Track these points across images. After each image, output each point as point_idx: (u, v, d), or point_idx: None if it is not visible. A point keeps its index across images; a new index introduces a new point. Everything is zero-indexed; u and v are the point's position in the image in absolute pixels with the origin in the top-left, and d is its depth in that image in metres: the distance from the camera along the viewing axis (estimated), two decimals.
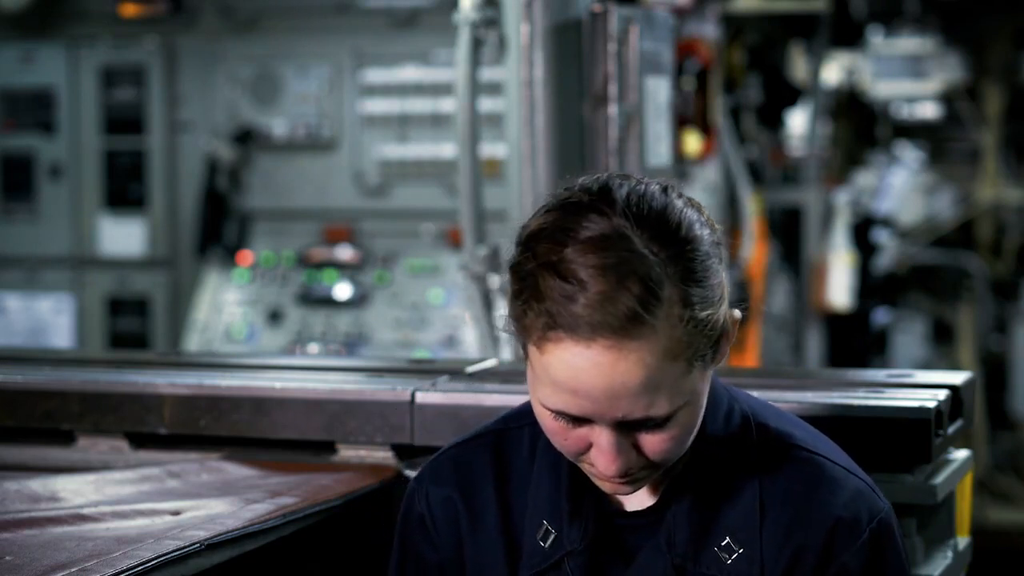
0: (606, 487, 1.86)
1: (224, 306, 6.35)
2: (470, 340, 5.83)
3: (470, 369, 2.83)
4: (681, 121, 4.55)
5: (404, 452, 2.63)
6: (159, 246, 6.54)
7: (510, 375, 2.86)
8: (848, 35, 8.46)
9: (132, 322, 6.59)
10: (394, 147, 6.26)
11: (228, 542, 2.12)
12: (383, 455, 2.62)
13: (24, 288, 6.68)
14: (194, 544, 2.04)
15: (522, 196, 3.57)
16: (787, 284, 7.45)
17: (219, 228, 6.37)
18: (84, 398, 2.76)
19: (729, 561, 1.86)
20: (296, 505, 2.31)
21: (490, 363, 2.96)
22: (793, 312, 7.54)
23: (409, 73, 6.22)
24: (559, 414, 1.80)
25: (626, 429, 1.79)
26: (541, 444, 1.98)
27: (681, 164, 5.09)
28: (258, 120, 6.37)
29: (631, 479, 1.84)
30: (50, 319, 6.67)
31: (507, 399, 2.61)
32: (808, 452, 1.92)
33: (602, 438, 1.79)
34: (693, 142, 5.61)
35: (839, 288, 7.83)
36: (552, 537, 1.93)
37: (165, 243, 6.54)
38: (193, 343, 6.24)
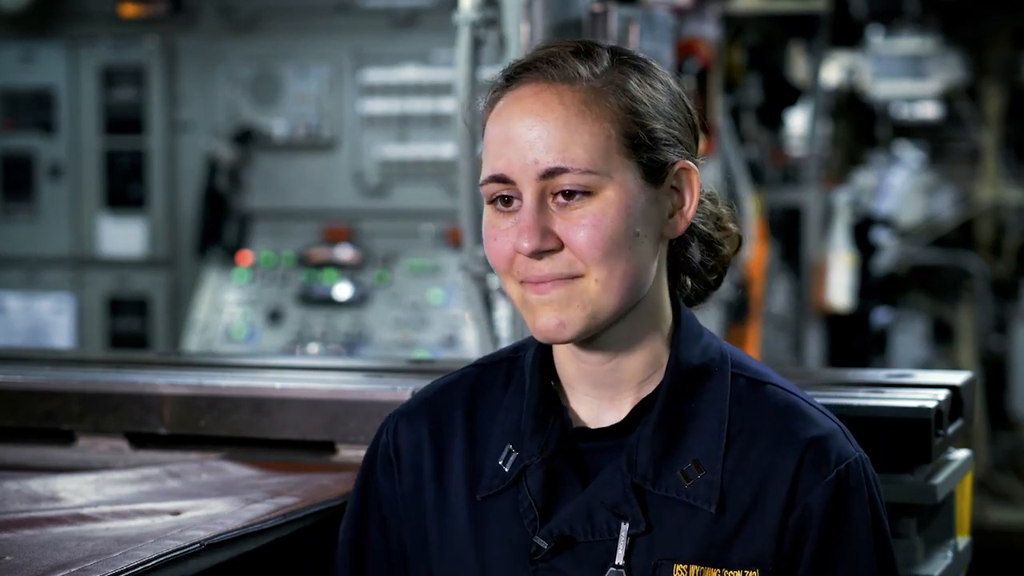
0: (541, 314, 1.85)
1: (224, 306, 6.35)
2: (470, 340, 5.83)
3: None
4: None
5: None
6: (159, 246, 6.54)
7: None
8: (848, 35, 8.47)
9: (132, 322, 6.60)
10: (394, 147, 6.26)
11: (228, 542, 2.12)
12: None
13: (24, 288, 6.68)
14: (194, 544, 2.04)
15: None
16: (787, 284, 7.46)
17: (219, 228, 6.37)
18: (84, 398, 2.76)
19: (687, 485, 1.85)
20: (296, 505, 2.31)
21: None
22: (793, 312, 7.55)
23: (409, 73, 6.22)
24: (490, 184, 1.84)
25: (546, 200, 1.82)
26: (515, 375, 1.99)
27: None
28: (258, 120, 6.37)
29: (559, 292, 1.83)
30: (50, 319, 6.67)
31: None
32: (784, 391, 1.91)
33: (524, 207, 1.82)
34: None
35: (839, 288, 7.84)
36: (513, 457, 1.92)
37: (165, 243, 6.54)
38: (193, 343, 6.24)
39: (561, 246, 1.83)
